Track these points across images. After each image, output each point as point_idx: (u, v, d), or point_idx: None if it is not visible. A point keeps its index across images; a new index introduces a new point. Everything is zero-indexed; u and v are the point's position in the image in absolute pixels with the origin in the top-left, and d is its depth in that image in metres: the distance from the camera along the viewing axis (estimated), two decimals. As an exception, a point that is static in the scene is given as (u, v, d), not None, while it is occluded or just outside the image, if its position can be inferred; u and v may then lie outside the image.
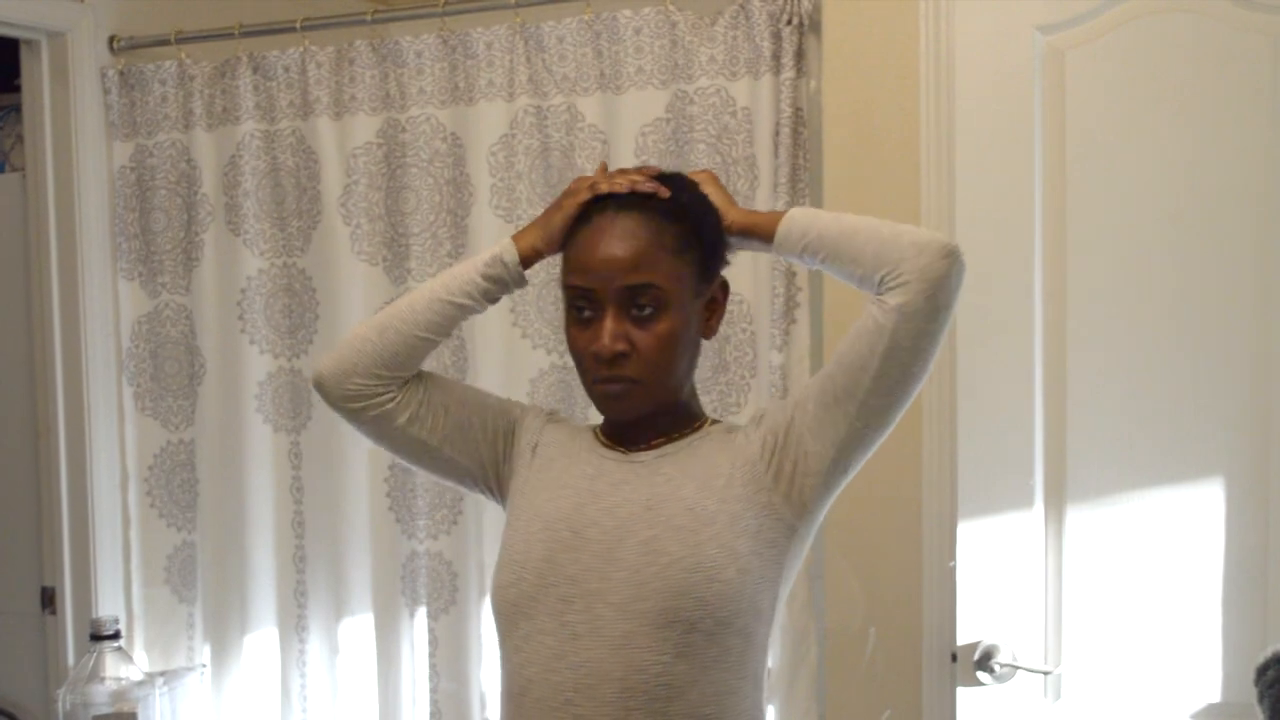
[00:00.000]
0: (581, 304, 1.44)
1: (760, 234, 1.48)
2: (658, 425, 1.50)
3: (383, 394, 1.55)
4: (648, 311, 1.41)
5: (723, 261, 1.52)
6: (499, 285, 1.55)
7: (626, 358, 1.41)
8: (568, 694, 1.40)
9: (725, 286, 1.53)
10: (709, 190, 1.52)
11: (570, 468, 1.53)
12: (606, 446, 1.53)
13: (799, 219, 1.47)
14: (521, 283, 1.57)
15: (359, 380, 1.55)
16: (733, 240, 1.52)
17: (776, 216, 1.48)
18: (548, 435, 1.58)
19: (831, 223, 1.44)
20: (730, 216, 1.50)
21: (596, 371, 1.44)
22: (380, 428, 1.58)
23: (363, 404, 1.56)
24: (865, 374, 1.39)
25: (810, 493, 1.44)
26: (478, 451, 1.59)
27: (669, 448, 1.49)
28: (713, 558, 1.40)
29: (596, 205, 1.45)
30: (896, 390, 1.40)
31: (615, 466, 1.50)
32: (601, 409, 1.50)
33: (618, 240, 1.41)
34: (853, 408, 1.40)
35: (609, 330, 1.41)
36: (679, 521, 1.42)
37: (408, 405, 1.56)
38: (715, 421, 1.56)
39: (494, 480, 1.61)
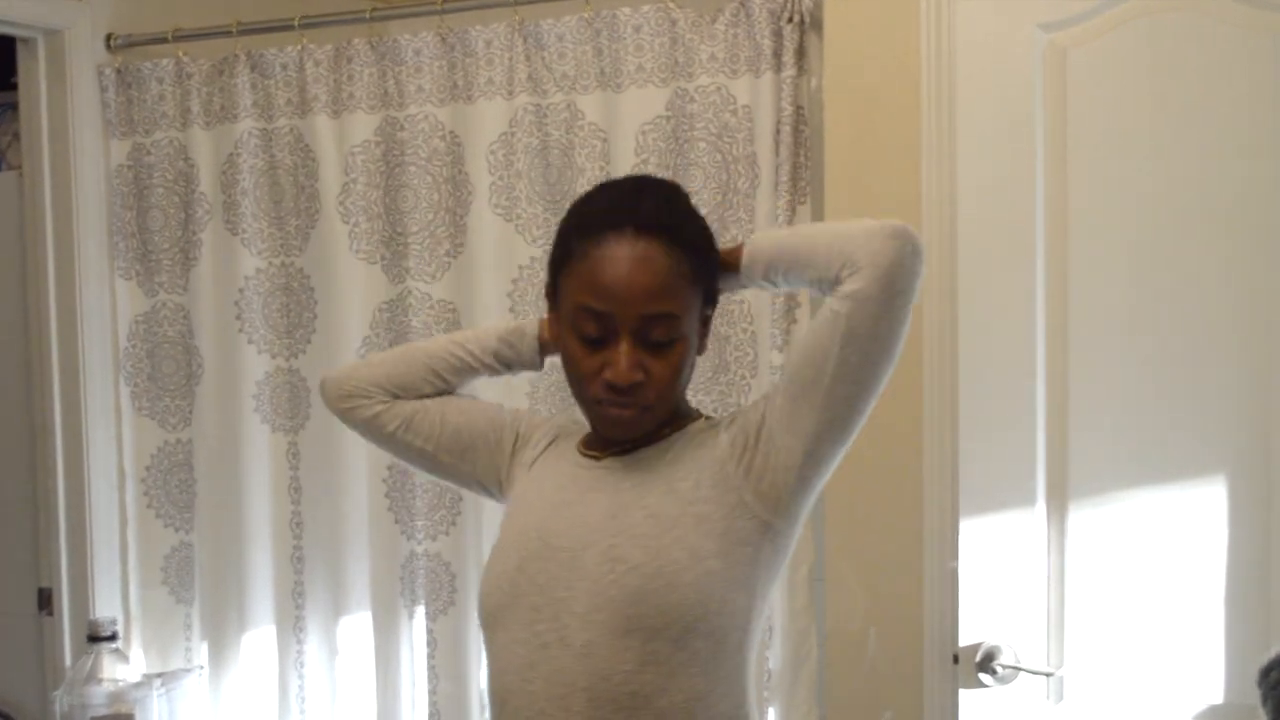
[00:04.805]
0: (590, 326, 1.40)
1: (728, 267, 1.48)
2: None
3: (373, 396, 1.61)
4: (662, 340, 1.39)
5: (717, 285, 1.50)
6: (512, 354, 1.61)
7: (640, 386, 1.40)
8: (540, 704, 1.40)
9: (713, 304, 1.52)
10: None
11: (548, 479, 1.53)
12: (583, 454, 1.52)
13: (760, 242, 1.47)
14: (534, 365, 1.61)
15: (355, 382, 1.63)
16: None
17: (738, 247, 1.48)
18: (546, 453, 1.58)
19: (789, 235, 1.47)
20: None
21: (605, 395, 1.41)
22: (371, 432, 1.64)
23: (353, 404, 1.63)
24: (828, 362, 1.36)
25: (784, 488, 1.41)
26: (476, 460, 1.61)
27: (642, 452, 1.48)
28: (675, 560, 1.38)
29: (612, 224, 1.39)
30: (860, 378, 1.37)
31: (586, 474, 1.49)
32: (602, 429, 1.48)
33: (640, 267, 1.37)
34: (819, 398, 1.38)
35: (626, 359, 1.38)
36: (641, 529, 1.40)
37: (399, 414, 1.61)
38: (704, 417, 1.55)
39: (494, 487, 1.63)
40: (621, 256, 1.37)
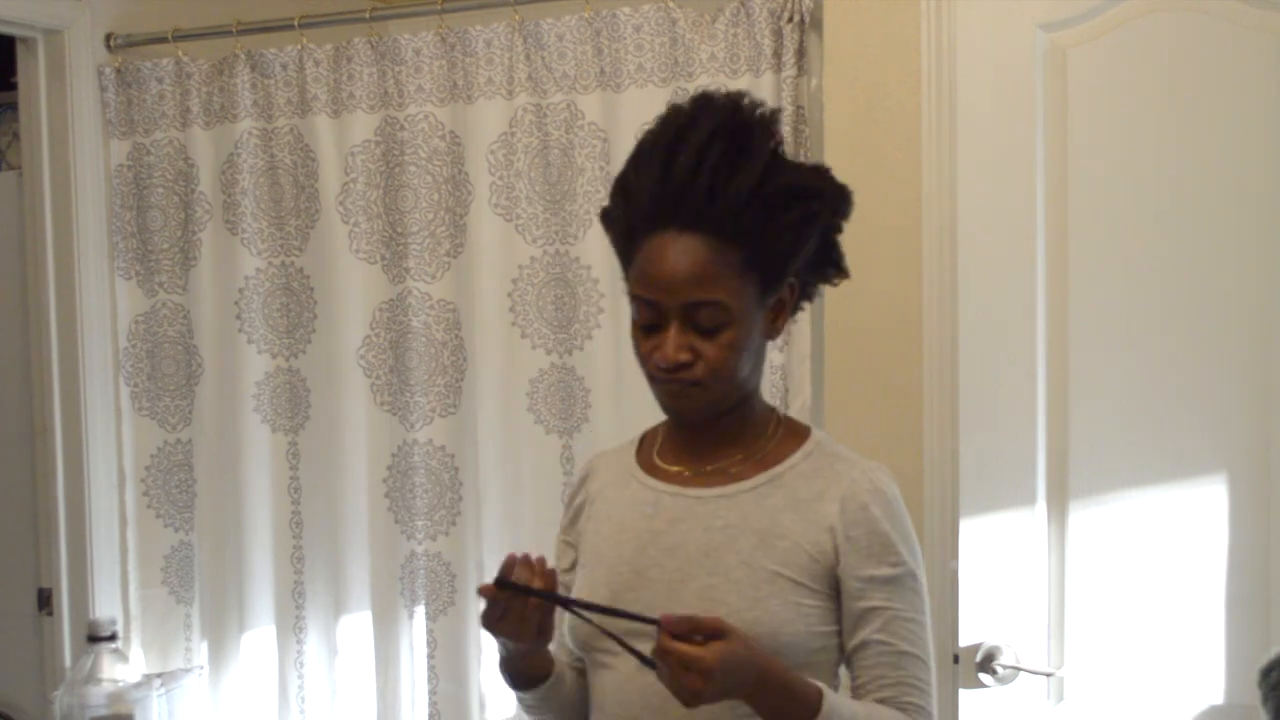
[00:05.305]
0: (644, 312, 1.44)
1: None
2: (723, 426, 1.49)
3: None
4: (711, 326, 1.41)
5: (790, 268, 1.46)
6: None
7: (690, 365, 1.42)
8: (636, 711, 1.43)
9: (794, 288, 1.49)
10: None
11: (623, 506, 1.53)
12: (660, 475, 1.52)
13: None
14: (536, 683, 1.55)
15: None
16: None
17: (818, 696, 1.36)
18: (591, 487, 1.59)
19: None
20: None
21: (657, 374, 1.44)
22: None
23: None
24: None
25: None
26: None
27: (730, 487, 1.48)
28: (775, 613, 1.40)
29: (660, 221, 1.41)
30: None
31: (672, 501, 1.49)
32: (666, 407, 1.49)
33: (681, 256, 1.39)
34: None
35: (672, 342, 1.41)
36: (737, 574, 1.42)
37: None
38: (784, 420, 1.54)
39: None
40: (666, 245, 1.40)
